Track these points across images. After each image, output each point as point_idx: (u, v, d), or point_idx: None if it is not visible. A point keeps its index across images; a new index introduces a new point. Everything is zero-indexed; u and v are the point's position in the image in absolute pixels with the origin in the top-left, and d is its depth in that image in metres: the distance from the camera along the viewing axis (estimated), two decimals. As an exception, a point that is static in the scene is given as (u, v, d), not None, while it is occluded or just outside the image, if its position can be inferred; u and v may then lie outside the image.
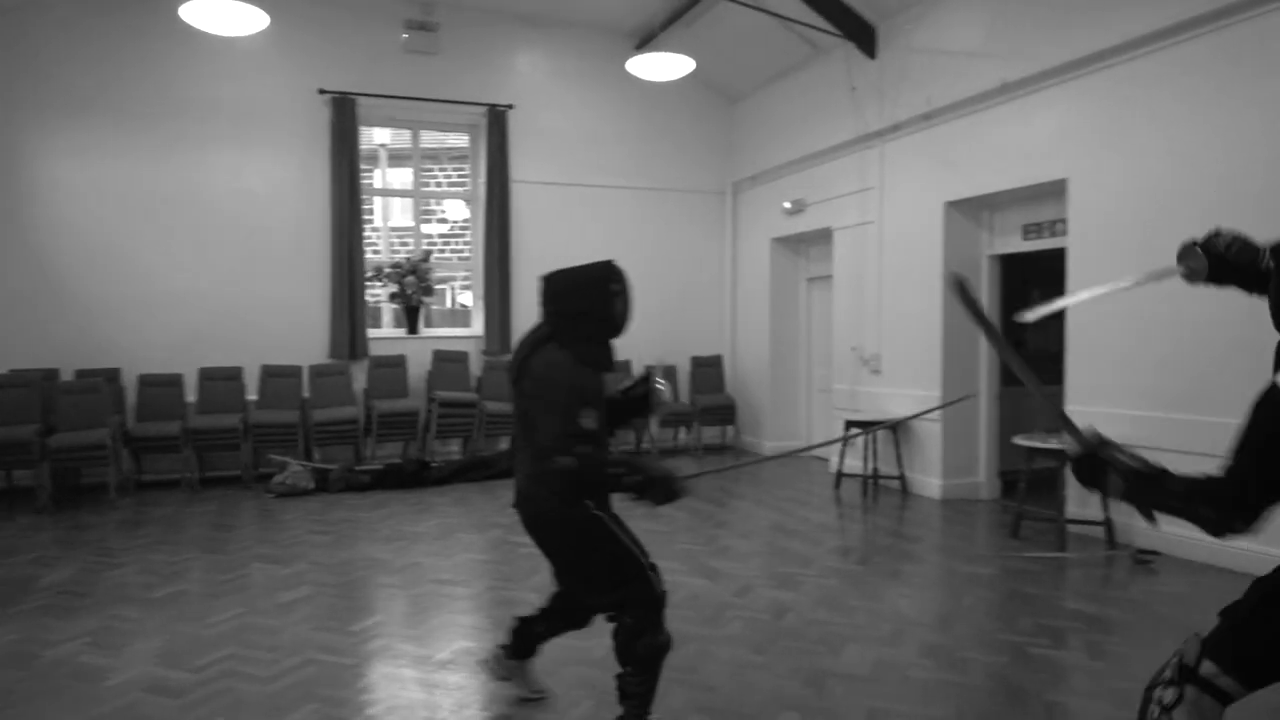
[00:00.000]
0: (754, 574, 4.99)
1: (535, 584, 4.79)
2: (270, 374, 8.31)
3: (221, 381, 8.17)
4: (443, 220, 16.27)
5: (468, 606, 4.46)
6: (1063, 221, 6.44)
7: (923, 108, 7.20)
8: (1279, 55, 4.74)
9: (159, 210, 8.19)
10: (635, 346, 9.77)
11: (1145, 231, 5.47)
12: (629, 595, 2.83)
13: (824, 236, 8.91)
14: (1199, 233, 5.03)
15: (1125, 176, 5.62)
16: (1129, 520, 5.51)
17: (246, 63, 8.40)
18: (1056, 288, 8.71)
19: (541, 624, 3.23)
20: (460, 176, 12.79)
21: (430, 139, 15.02)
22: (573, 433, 2.68)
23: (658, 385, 3.17)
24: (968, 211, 7.16)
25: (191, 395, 8.10)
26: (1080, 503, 5.84)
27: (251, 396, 8.26)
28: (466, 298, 14.23)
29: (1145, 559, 5.10)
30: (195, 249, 8.32)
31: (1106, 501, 5.48)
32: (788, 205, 9.20)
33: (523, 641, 3.26)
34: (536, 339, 2.89)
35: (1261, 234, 4.83)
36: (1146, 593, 4.57)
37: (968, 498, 7.15)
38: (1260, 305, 4.84)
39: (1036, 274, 8.36)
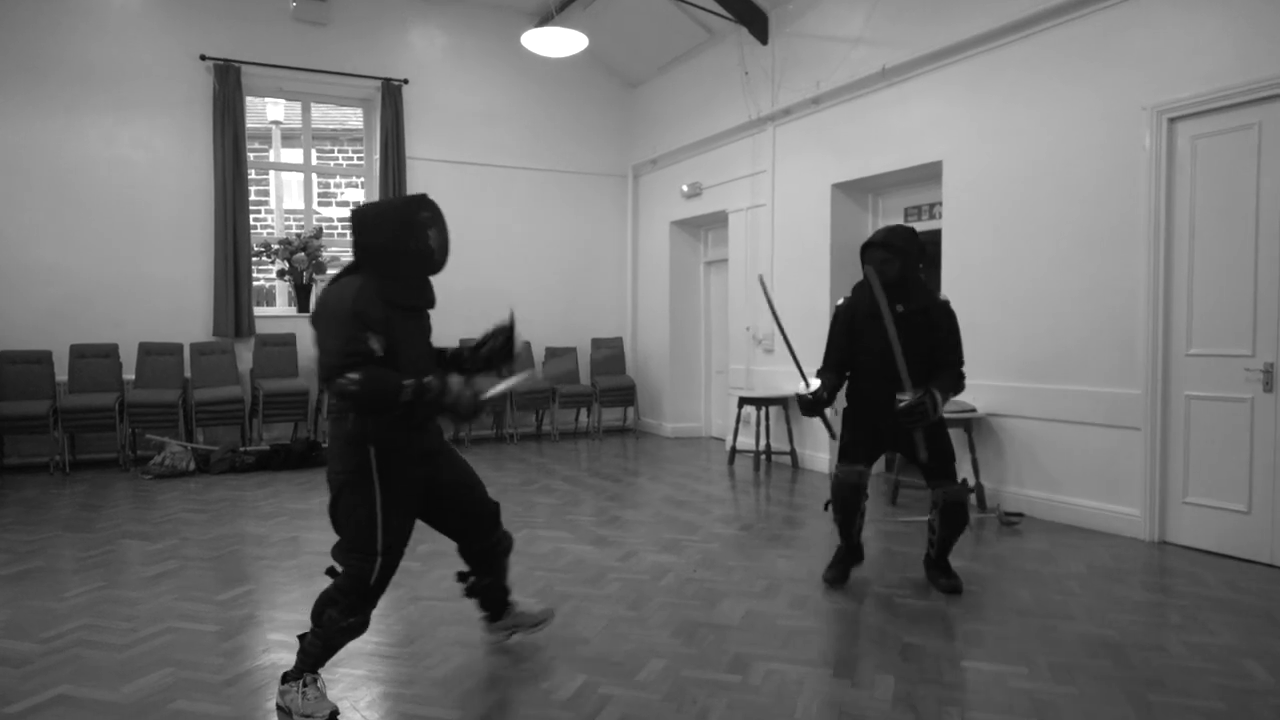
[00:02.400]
0: (639, 541, 5.04)
1: (417, 554, 4.73)
2: (148, 352, 7.94)
3: (95, 359, 7.77)
4: (344, 204, 15.85)
5: (344, 575, 4.36)
6: (940, 204, 6.71)
7: (811, 92, 7.38)
8: (1122, 47, 5.04)
9: (25, 177, 7.72)
10: (536, 327, 9.75)
11: (1009, 211, 5.75)
12: (344, 561, 2.81)
13: (720, 220, 9.04)
14: (1056, 212, 5.29)
15: (992, 159, 5.89)
16: (998, 486, 5.79)
17: (122, 23, 8.00)
18: (934, 270, 9.09)
19: (476, 578, 3.27)
20: (360, 159, 12.47)
21: (329, 119, 14.57)
22: (354, 351, 2.63)
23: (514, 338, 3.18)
24: (853, 194, 7.38)
25: (62, 374, 7.68)
26: (954, 471, 6.10)
27: (129, 375, 7.89)
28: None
29: (1011, 520, 5.36)
30: (67, 219, 7.88)
31: (977, 468, 5.74)
32: (685, 189, 9.30)
33: (486, 603, 3.30)
34: (340, 273, 2.84)
35: (1107, 212, 5.14)
36: (1011, 550, 4.81)
37: (854, 471, 7.36)
38: (1120, 280, 5.12)
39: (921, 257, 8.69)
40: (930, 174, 6.58)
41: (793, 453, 7.58)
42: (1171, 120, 4.83)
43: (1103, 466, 5.19)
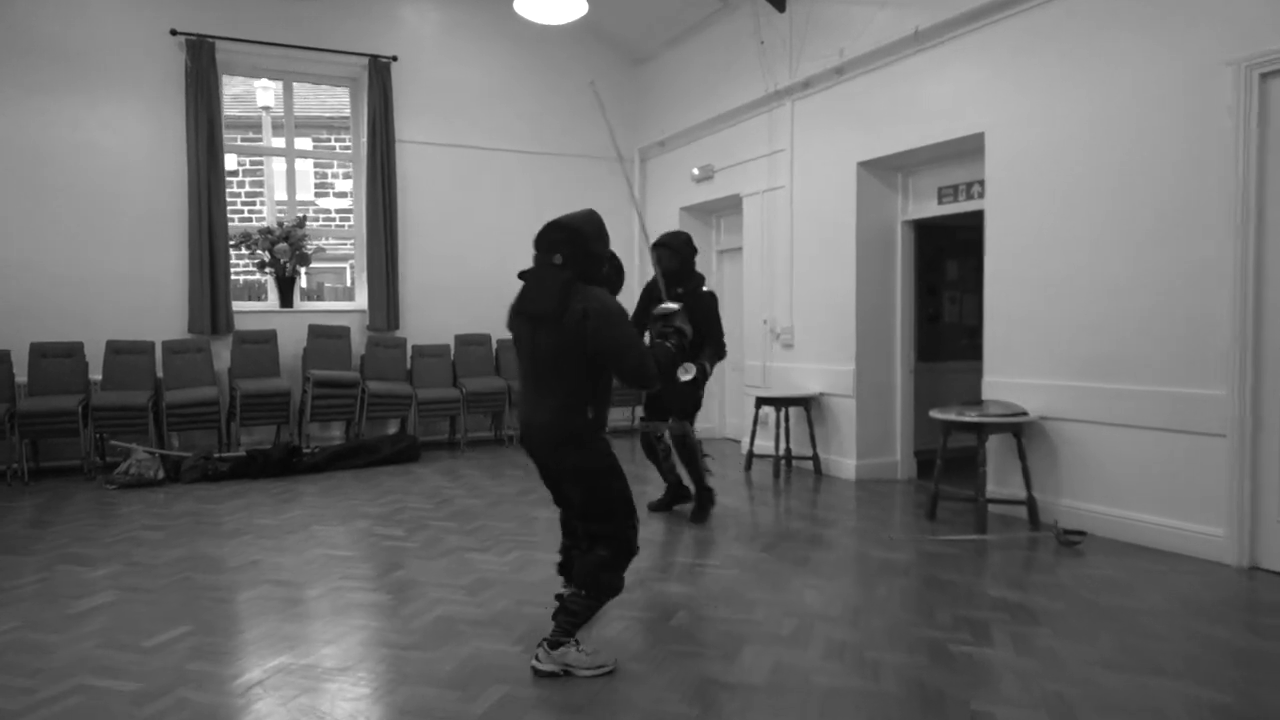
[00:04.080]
0: (646, 566, 4.38)
1: (390, 583, 4.12)
2: (116, 350, 7.35)
3: (57, 359, 7.17)
4: (341, 194, 15.25)
5: (300, 613, 3.75)
6: (979, 184, 6.05)
7: (834, 61, 6.70)
8: (1196, 2, 4.36)
9: (-19, 163, 7.15)
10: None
11: (1063, 189, 5.07)
12: (613, 532, 3.10)
13: (734, 204, 8.39)
14: (1118, 189, 4.53)
15: (1043, 130, 5.21)
16: (1052, 500, 5.12)
17: (85, -3, 7.40)
18: (974, 259, 8.36)
19: (574, 551, 3.40)
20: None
21: (324, 106, 13.94)
22: (645, 349, 3.13)
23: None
24: (881, 173, 6.70)
25: (22, 375, 7.10)
26: (1000, 481, 5.44)
27: (95, 376, 7.30)
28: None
29: (1072, 540, 4.69)
30: (26, 208, 7.28)
31: (1029, 479, 5.08)
32: (695, 172, 8.64)
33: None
34: (566, 280, 3.03)
35: (1180, 185, 4.47)
36: (1075, 577, 4.15)
37: (883, 478, 6.72)
38: (1195, 264, 4.41)
39: (953, 245, 8.02)
40: (968, 149, 5.91)
41: (815, 457, 6.92)
42: (1264, 76, 4.14)
43: (1178, 479, 4.51)
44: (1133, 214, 4.71)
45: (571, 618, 3.05)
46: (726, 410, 9.08)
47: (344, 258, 14.44)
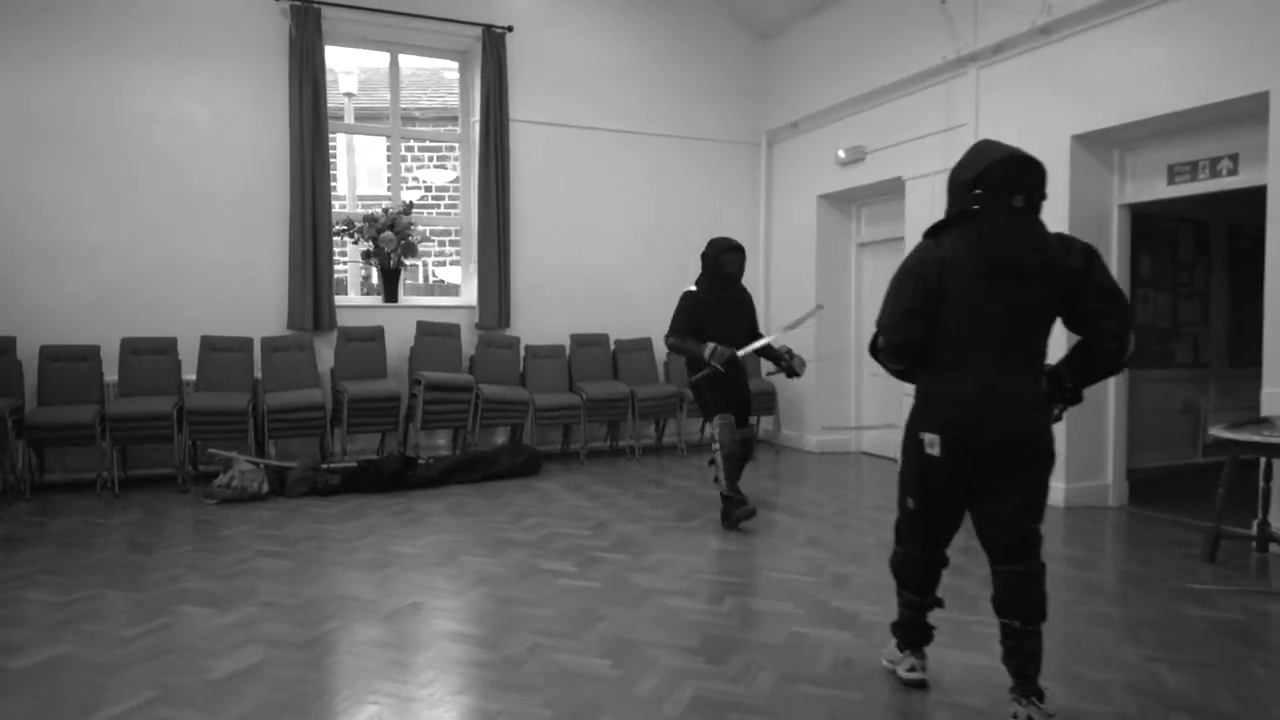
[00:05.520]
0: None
1: (598, 642, 3.26)
2: (212, 348, 6.62)
3: (150, 356, 6.46)
4: (415, 188, 14.61)
5: (505, 683, 2.90)
6: (1231, 158, 5.10)
7: (1039, 19, 5.77)
8: None
9: (67, 140, 6.43)
10: (651, 322, 8.21)
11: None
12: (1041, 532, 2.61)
13: (886, 191, 7.46)
14: None
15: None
16: (1376, 540, 4.13)
17: (183, -44, 6.70)
18: (1169, 252, 7.33)
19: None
20: (435, 141, 11.16)
21: (402, 98, 13.25)
22: None
23: None
24: (1096, 149, 5.75)
25: (112, 373, 6.40)
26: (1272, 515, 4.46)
27: (189, 376, 6.58)
28: (446, 272, 12.59)
29: None
30: (116, 190, 6.58)
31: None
32: (841, 155, 7.72)
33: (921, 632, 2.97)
34: (1042, 224, 2.59)
35: None
36: None
37: (1094, 504, 5.75)
38: None
39: (1147, 237, 7.05)
40: (1224, 116, 4.96)
41: (1008, 479, 5.97)
42: None
43: None
44: None
45: (1038, 660, 2.56)
46: (865, 420, 8.15)
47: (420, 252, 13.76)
